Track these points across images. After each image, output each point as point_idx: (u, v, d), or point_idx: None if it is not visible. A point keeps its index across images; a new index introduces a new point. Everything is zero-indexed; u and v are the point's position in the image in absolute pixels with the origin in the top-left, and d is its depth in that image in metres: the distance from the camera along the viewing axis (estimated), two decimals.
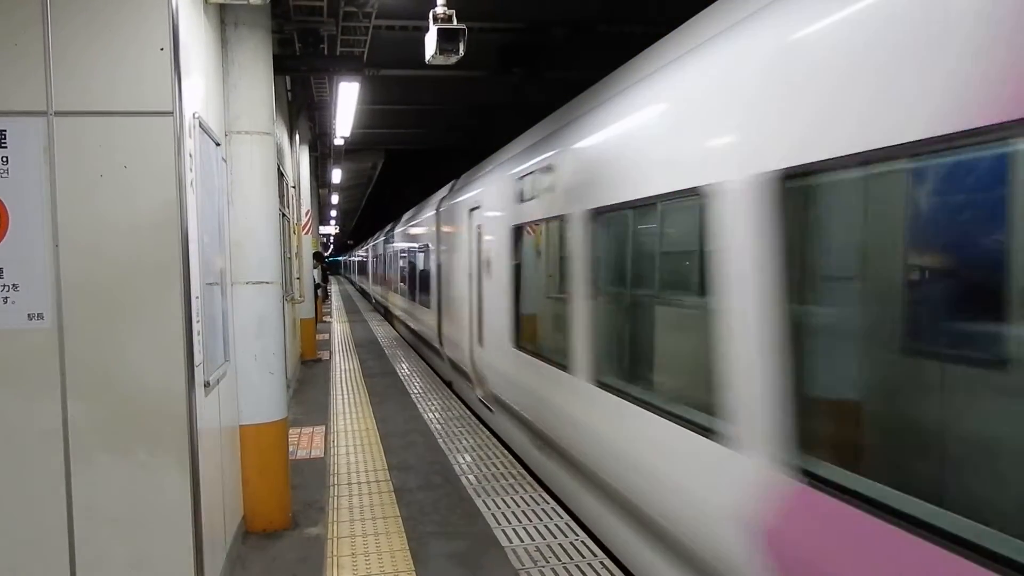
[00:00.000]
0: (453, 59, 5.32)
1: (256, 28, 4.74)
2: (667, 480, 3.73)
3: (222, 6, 4.55)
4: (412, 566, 4.31)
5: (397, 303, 19.18)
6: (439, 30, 5.21)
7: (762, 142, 2.87)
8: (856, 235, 2.67)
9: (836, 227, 2.71)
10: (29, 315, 3.19)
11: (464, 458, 6.59)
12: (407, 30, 9.00)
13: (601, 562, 4.33)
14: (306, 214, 12.63)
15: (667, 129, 3.82)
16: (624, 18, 8.99)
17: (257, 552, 4.51)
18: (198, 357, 3.51)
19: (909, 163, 2.24)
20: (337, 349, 14.51)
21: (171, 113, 3.28)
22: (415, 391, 9.93)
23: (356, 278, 50.80)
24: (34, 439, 3.21)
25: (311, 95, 10.47)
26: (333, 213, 33.66)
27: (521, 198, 6.53)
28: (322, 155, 16.34)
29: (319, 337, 14.71)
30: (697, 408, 3.51)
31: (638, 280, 4.40)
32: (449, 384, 10.79)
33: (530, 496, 5.52)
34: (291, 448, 6.14)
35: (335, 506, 5.34)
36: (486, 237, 7.98)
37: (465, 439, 7.28)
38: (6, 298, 3.17)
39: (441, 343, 11.26)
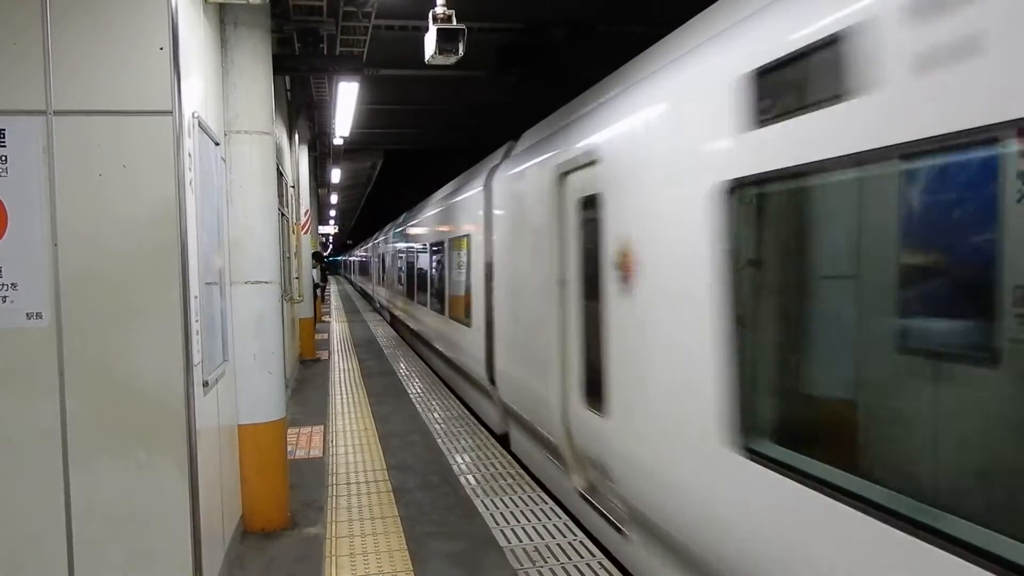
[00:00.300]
0: (453, 59, 5.32)
1: (255, 28, 4.74)
2: None
3: (221, 6, 4.55)
4: (410, 566, 4.31)
5: (412, 313, 14.88)
6: (439, 30, 5.22)
7: None
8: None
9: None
10: (28, 314, 3.19)
11: (463, 458, 6.59)
12: (407, 30, 9.00)
13: (599, 562, 4.34)
14: (305, 214, 12.63)
15: None
16: (624, 18, 8.99)
17: (256, 552, 4.50)
18: (197, 356, 3.51)
19: None
20: (336, 349, 14.51)
21: (170, 112, 3.28)
22: (414, 391, 9.93)
23: (357, 279, 46.17)
24: (32, 438, 3.21)
25: (310, 95, 10.47)
26: (332, 213, 33.67)
27: (762, 115, 2.90)
28: (321, 155, 16.34)
29: (318, 337, 14.71)
30: None
31: None
32: (501, 437, 7.47)
33: (529, 496, 5.52)
34: (290, 448, 6.14)
35: (334, 506, 5.34)
36: (629, 212, 4.12)
37: (464, 439, 7.28)
38: (5, 297, 3.17)
39: (493, 380, 7.62)
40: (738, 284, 3.09)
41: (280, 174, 7.95)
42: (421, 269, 13.76)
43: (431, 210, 12.78)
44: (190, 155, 3.50)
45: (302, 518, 5.05)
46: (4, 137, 3.16)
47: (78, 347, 3.23)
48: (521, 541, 4.66)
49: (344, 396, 9.58)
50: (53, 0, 3.18)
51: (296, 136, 11.07)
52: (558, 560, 4.37)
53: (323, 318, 20.29)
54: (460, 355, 9.49)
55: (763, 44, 2.89)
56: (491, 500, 5.44)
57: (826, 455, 2.67)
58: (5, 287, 3.18)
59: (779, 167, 2.76)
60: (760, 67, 2.89)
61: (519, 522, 4.99)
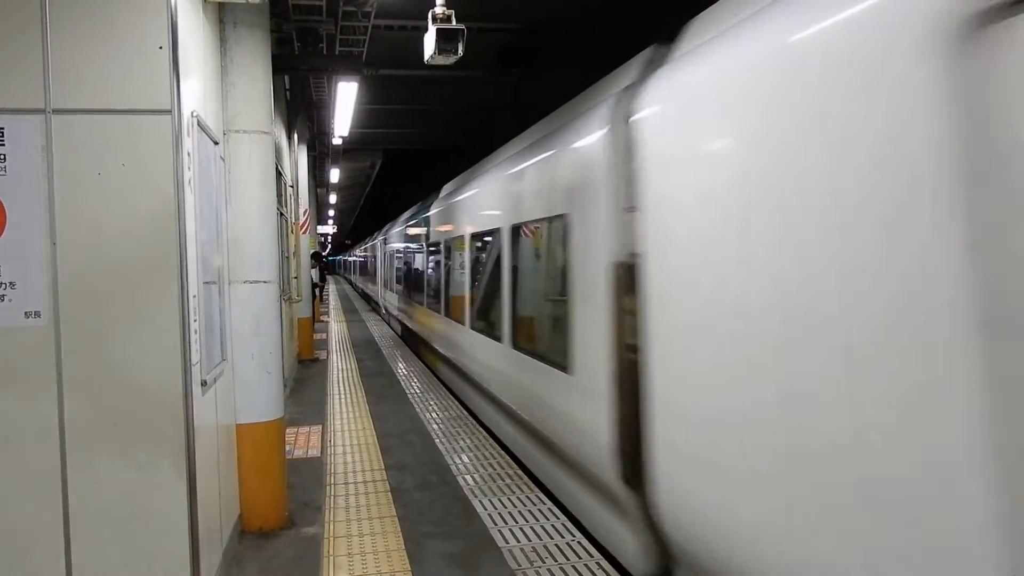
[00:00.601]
0: (452, 59, 5.33)
1: (255, 27, 4.74)
2: None
3: (221, 5, 4.55)
4: (408, 566, 4.31)
5: (439, 332, 10.85)
6: (438, 30, 5.22)
7: None
8: None
9: None
10: (26, 313, 3.19)
11: (461, 458, 6.59)
12: (406, 30, 8.99)
13: (597, 563, 4.34)
14: (304, 213, 12.62)
15: None
16: (623, 18, 8.99)
17: (253, 551, 4.50)
18: (195, 356, 3.51)
19: None
20: (334, 348, 14.50)
21: (169, 112, 3.28)
22: (412, 391, 9.93)
23: (359, 281, 39.49)
24: (30, 438, 3.20)
25: (310, 94, 10.47)
26: (331, 213, 33.67)
27: None
28: (320, 154, 16.35)
29: (316, 336, 14.70)
30: None
31: None
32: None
33: (527, 496, 5.52)
34: (288, 447, 6.14)
35: (331, 506, 5.33)
36: None
37: (462, 439, 7.28)
38: (3, 296, 3.17)
39: (635, 477, 4.05)
40: None
41: (279, 174, 7.95)
42: (456, 271, 9.42)
43: (479, 186, 8.31)
44: (189, 154, 3.50)
45: (300, 518, 5.05)
46: (3, 136, 3.15)
47: (76, 346, 3.22)
48: (519, 541, 4.66)
49: (342, 396, 9.57)
50: None
51: (295, 136, 11.07)
52: (556, 560, 4.37)
53: (321, 318, 20.27)
54: (543, 413, 5.68)
55: None
56: (489, 500, 5.44)
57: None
58: (3, 286, 3.17)
59: None
60: None
61: (517, 522, 4.99)
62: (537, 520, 5.02)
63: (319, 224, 26.76)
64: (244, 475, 4.78)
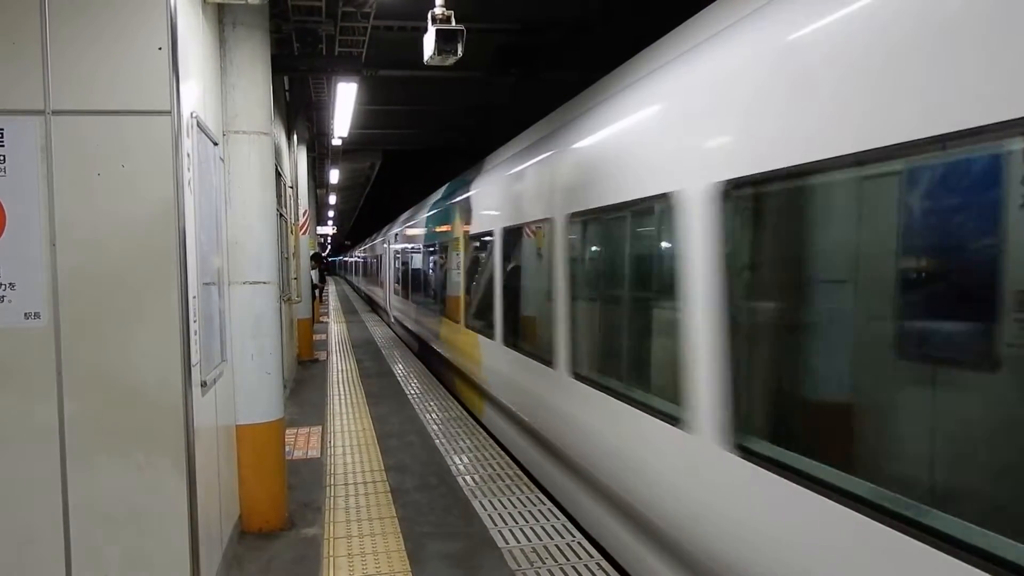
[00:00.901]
0: (451, 60, 5.32)
1: (254, 28, 4.74)
2: None
3: (220, 6, 4.55)
4: (408, 567, 4.31)
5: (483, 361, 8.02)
6: (437, 31, 5.22)
7: None
8: None
9: None
10: (26, 314, 3.19)
11: (461, 459, 6.59)
12: (405, 30, 9.00)
13: (597, 563, 4.34)
14: (303, 214, 12.62)
15: None
16: (623, 18, 9.00)
17: (253, 552, 4.50)
18: (195, 357, 3.51)
19: None
20: (334, 349, 14.50)
21: (169, 112, 3.28)
22: (412, 392, 9.93)
23: (363, 284, 35.27)
24: (30, 438, 3.20)
25: (309, 95, 10.47)
26: (331, 214, 33.66)
27: None
28: (320, 155, 16.35)
29: (316, 337, 14.70)
30: None
31: None
32: None
33: (527, 497, 5.52)
34: (287, 448, 6.14)
35: (331, 506, 5.33)
36: None
37: (462, 440, 7.27)
38: (3, 297, 3.17)
39: None
40: None
41: (278, 174, 7.95)
42: (532, 276, 6.39)
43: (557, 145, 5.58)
44: (188, 155, 3.50)
45: (300, 519, 5.04)
46: (2, 137, 3.15)
47: (76, 347, 3.22)
48: (519, 542, 4.66)
49: (342, 397, 9.57)
50: None
51: (295, 136, 11.07)
52: (556, 561, 4.37)
53: (321, 319, 20.27)
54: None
55: None
56: (489, 501, 5.44)
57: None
58: (3, 287, 3.17)
59: None
60: None
61: (517, 523, 4.99)
62: (537, 520, 5.02)
63: (318, 225, 26.75)
64: (244, 476, 4.78)
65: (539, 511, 5.21)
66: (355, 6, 6.20)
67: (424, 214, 13.21)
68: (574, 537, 4.73)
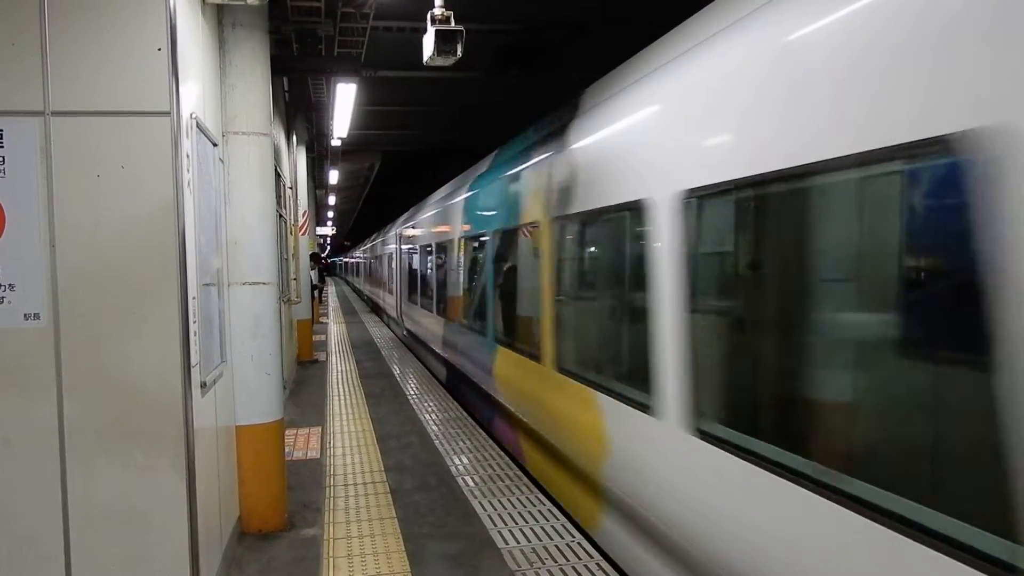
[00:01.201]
0: (451, 60, 5.33)
1: (254, 29, 4.75)
2: None
3: (220, 7, 4.55)
4: (408, 567, 4.31)
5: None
6: (437, 31, 5.22)
7: None
8: None
9: None
10: (25, 315, 3.18)
11: (461, 459, 6.59)
12: (405, 31, 9.01)
13: (597, 563, 4.34)
14: (303, 215, 12.63)
15: None
16: (622, 19, 9.00)
17: (253, 553, 4.50)
18: (195, 358, 3.51)
19: None
20: (333, 350, 14.50)
21: (168, 113, 3.28)
22: (411, 392, 9.93)
23: (366, 287, 32.59)
24: (30, 439, 3.20)
25: (308, 96, 10.46)
26: (330, 214, 33.66)
27: None
28: (319, 156, 16.35)
29: (316, 338, 14.70)
30: None
31: None
32: None
33: (527, 498, 5.52)
34: (287, 449, 6.14)
35: (331, 507, 5.33)
36: None
37: (462, 441, 7.28)
38: (2, 298, 3.17)
39: None
40: None
41: (278, 175, 7.95)
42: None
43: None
44: (188, 156, 3.50)
45: (300, 519, 5.04)
46: (2, 138, 3.15)
47: (76, 348, 3.22)
48: (519, 542, 4.66)
49: (341, 397, 9.57)
50: (51, 0, 3.18)
51: (294, 137, 11.08)
52: (556, 561, 4.37)
53: (320, 319, 20.27)
54: None
55: None
56: (489, 501, 5.44)
57: None
58: (3, 288, 3.17)
59: None
60: None
61: (517, 523, 4.99)
62: (537, 521, 5.03)
63: (318, 225, 26.76)
64: (244, 476, 4.78)
65: (539, 511, 5.21)
66: (354, 7, 6.20)
67: (463, 196, 9.26)
68: (574, 537, 4.73)
